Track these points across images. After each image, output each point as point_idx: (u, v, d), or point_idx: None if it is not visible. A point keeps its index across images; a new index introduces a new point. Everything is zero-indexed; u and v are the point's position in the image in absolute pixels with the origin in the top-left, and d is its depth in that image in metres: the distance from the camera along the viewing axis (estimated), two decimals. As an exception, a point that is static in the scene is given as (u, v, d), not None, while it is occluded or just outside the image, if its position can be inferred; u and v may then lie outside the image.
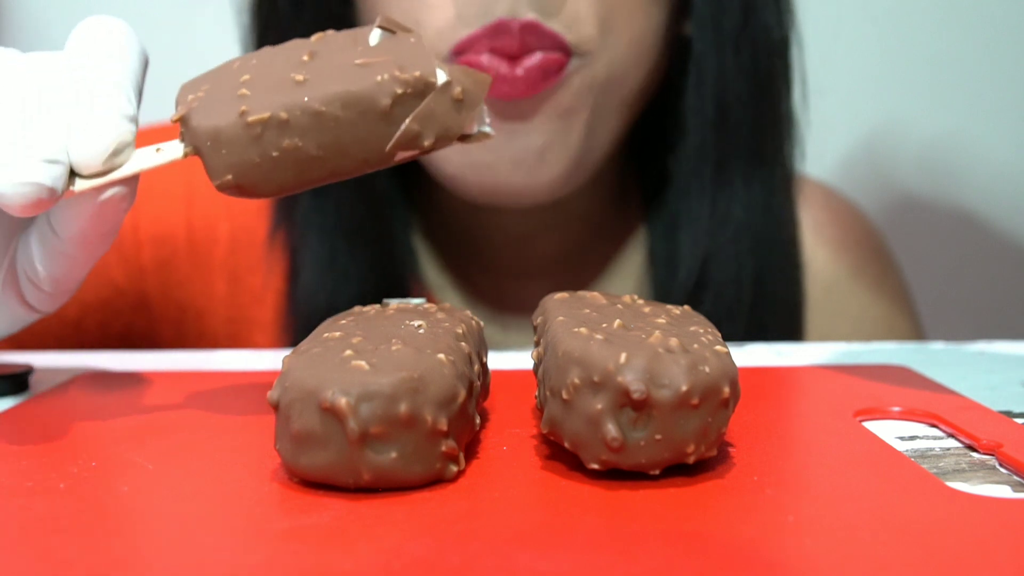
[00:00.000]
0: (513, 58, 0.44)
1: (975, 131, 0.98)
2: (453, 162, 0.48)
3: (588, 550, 0.21)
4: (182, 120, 0.30)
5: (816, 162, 0.65)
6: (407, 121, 0.31)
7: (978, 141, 0.98)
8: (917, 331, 0.61)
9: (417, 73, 0.31)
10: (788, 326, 0.55)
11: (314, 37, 0.33)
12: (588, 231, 0.56)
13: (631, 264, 0.57)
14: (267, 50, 0.33)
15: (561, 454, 0.27)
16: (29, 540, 0.22)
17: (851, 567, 0.20)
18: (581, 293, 0.31)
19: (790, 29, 0.52)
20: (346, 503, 0.24)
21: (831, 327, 0.57)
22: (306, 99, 0.30)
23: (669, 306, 0.30)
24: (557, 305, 0.30)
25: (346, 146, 0.31)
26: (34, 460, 0.28)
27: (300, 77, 0.31)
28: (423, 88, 0.31)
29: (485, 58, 0.44)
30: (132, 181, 0.30)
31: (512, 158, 0.47)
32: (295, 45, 0.33)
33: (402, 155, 0.32)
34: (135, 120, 0.30)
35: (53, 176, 0.27)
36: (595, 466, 0.25)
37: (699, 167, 0.51)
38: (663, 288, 0.54)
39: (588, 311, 0.29)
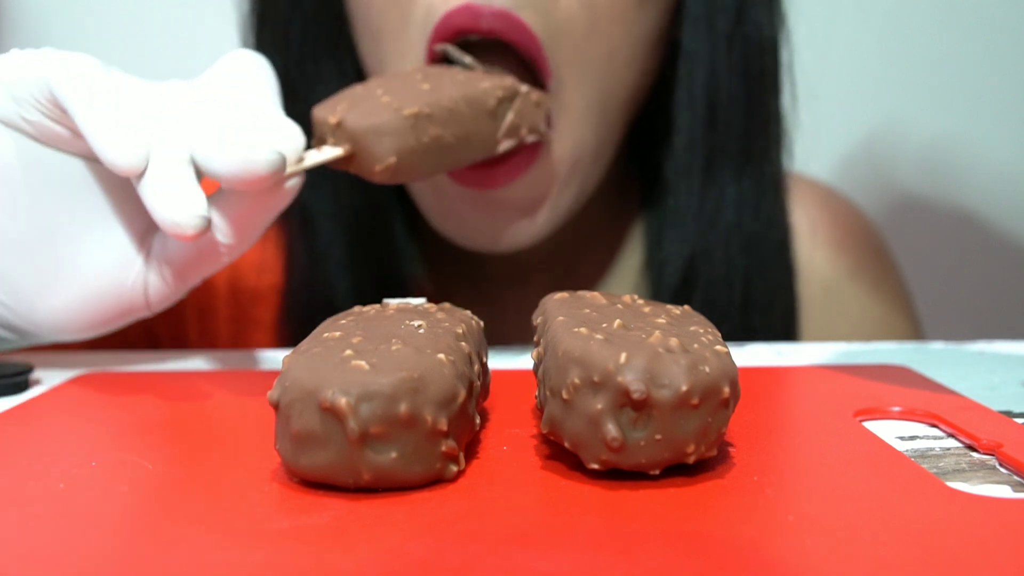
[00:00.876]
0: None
1: (975, 131, 0.98)
2: (443, 225, 0.49)
3: (588, 550, 0.21)
4: (338, 125, 0.37)
5: (816, 162, 0.65)
6: (510, 115, 0.41)
7: (978, 141, 0.98)
8: (917, 331, 0.61)
9: (509, 82, 0.41)
10: (780, 327, 0.54)
11: (411, 68, 0.42)
12: (588, 231, 0.56)
13: (630, 264, 0.57)
14: (377, 79, 0.41)
15: (561, 454, 0.27)
16: (29, 540, 0.22)
17: (851, 567, 0.20)
18: (581, 293, 0.31)
19: (781, 28, 0.52)
20: (346, 503, 0.24)
21: (831, 327, 0.57)
22: (440, 98, 0.38)
23: (669, 306, 0.30)
24: (557, 305, 0.29)
25: (470, 136, 0.40)
26: (34, 460, 0.28)
27: (427, 86, 0.39)
28: (514, 93, 0.41)
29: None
30: (303, 174, 0.37)
31: (499, 225, 0.47)
32: (396, 73, 0.42)
33: (504, 144, 0.41)
34: None
35: (284, 155, 0.34)
36: (595, 466, 0.25)
37: (688, 165, 0.51)
38: (657, 287, 0.54)
39: (588, 311, 0.28)
